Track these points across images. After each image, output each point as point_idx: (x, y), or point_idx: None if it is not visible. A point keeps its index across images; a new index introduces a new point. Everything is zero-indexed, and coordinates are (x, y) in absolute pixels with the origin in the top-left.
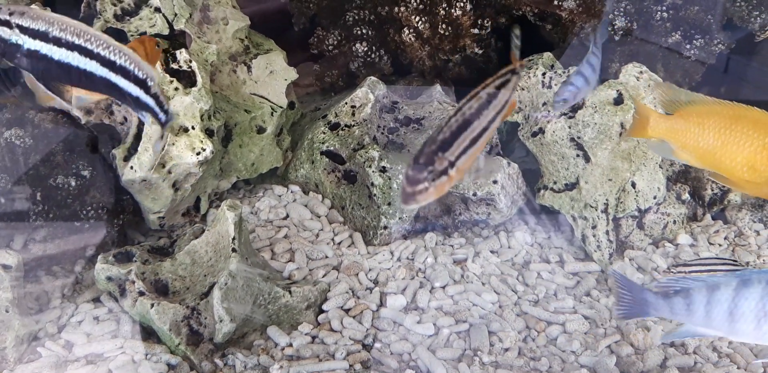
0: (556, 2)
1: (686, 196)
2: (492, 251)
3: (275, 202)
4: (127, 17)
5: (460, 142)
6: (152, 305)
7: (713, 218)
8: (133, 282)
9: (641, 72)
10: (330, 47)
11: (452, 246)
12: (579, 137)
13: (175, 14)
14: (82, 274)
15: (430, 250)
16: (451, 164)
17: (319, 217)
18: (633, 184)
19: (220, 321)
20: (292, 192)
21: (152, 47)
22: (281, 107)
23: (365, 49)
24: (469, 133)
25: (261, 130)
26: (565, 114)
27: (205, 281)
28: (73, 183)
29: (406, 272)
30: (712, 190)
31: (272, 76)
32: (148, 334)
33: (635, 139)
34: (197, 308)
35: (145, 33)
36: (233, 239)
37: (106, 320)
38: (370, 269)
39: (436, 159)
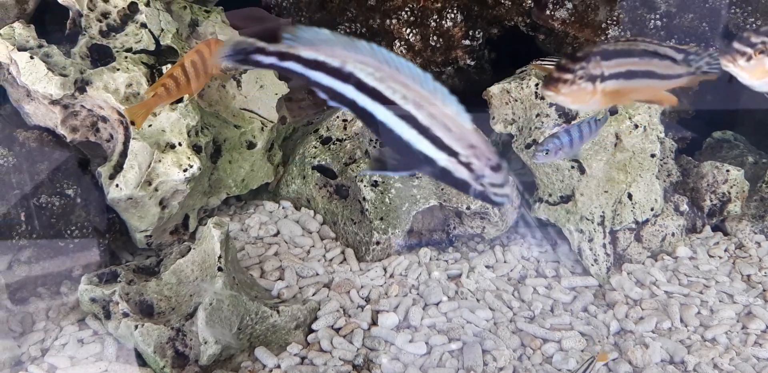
0: (548, 12)
1: (684, 207)
2: (487, 266)
3: (266, 218)
4: (113, 33)
5: (622, 64)
6: (136, 327)
7: (713, 230)
8: (117, 303)
9: None
10: None
11: (447, 261)
12: None
13: (162, 30)
14: (67, 295)
15: (423, 265)
16: (603, 77)
17: (311, 233)
18: (629, 196)
19: (205, 343)
20: (283, 208)
21: (217, 50)
22: (272, 122)
23: None
24: (636, 65)
25: (251, 146)
26: (558, 125)
27: (191, 301)
28: (58, 202)
29: (398, 288)
30: (711, 201)
31: (262, 90)
32: (139, 356)
33: (630, 150)
34: (183, 330)
35: (130, 49)
36: (219, 257)
37: (90, 343)
38: (362, 286)
39: (593, 61)
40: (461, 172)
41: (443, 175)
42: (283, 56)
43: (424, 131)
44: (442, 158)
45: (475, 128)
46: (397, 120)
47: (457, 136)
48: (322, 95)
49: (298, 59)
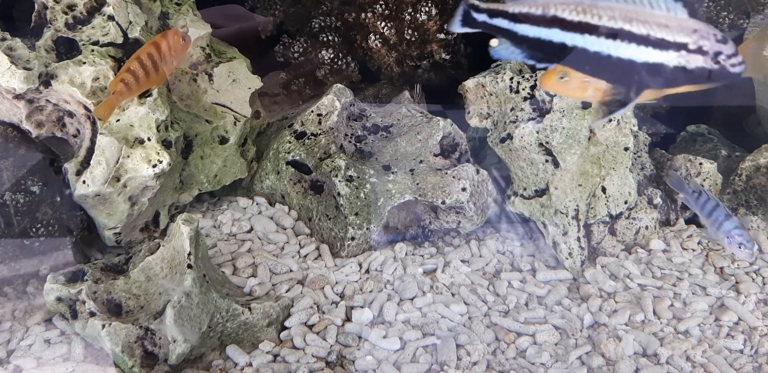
0: None
1: (658, 200)
2: (462, 261)
3: (239, 214)
4: (79, 26)
5: None
6: (103, 326)
7: (686, 223)
8: (84, 302)
9: None
10: (296, 55)
11: (422, 256)
12: (547, 142)
13: (130, 22)
14: (34, 295)
15: (399, 261)
16: None
17: (285, 229)
18: (603, 190)
19: (174, 342)
20: (257, 204)
21: (177, 41)
22: (245, 117)
23: (332, 56)
24: None
25: (223, 141)
26: (533, 119)
27: (160, 299)
28: (22, 199)
29: (373, 284)
30: None
31: (235, 84)
32: (108, 356)
33: (604, 143)
34: (151, 328)
35: (97, 42)
36: (189, 254)
37: (57, 343)
38: (336, 282)
39: None
40: (696, 61)
41: (678, 77)
42: (492, 13)
43: (644, 41)
44: (672, 58)
45: (690, 15)
46: (613, 42)
47: (677, 30)
48: (530, 58)
49: (505, 15)
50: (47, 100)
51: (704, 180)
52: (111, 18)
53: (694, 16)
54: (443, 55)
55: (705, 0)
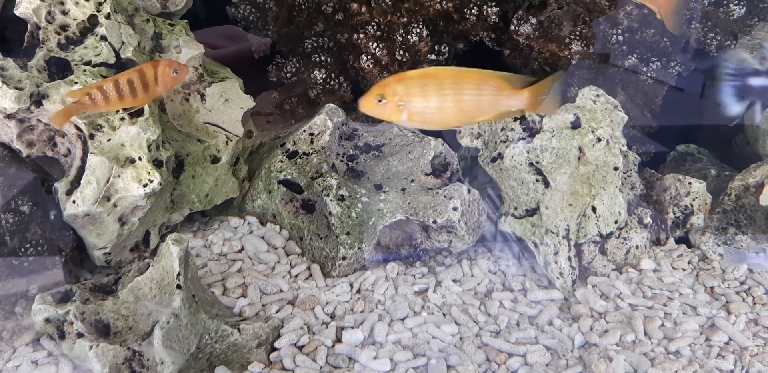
0: (512, 27)
1: (648, 219)
2: (454, 280)
3: (230, 234)
4: (72, 46)
5: None
6: (91, 347)
7: (677, 242)
8: (72, 323)
9: (598, 95)
10: (289, 75)
11: (414, 276)
12: (538, 162)
13: (123, 43)
14: (22, 315)
15: (390, 280)
16: None
17: (276, 249)
18: (593, 209)
19: (161, 363)
20: (248, 223)
21: (166, 72)
22: (237, 136)
23: (324, 76)
24: None
25: (215, 160)
26: (523, 139)
27: (149, 320)
28: (12, 219)
29: (364, 304)
30: (674, 213)
31: (227, 104)
32: None
33: (594, 163)
34: (139, 349)
35: (89, 62)
36: (178, 274)
37: (45, 364)
38: (327, 303)
39: None
40: None
41: None
42: None
43: None
44: None
45: None
46: None
47: None
48: None
49: None
50: (38, 120)
51: (693, 199)
52: (104, 38)
53: None
54: None
55: (692, 22)
